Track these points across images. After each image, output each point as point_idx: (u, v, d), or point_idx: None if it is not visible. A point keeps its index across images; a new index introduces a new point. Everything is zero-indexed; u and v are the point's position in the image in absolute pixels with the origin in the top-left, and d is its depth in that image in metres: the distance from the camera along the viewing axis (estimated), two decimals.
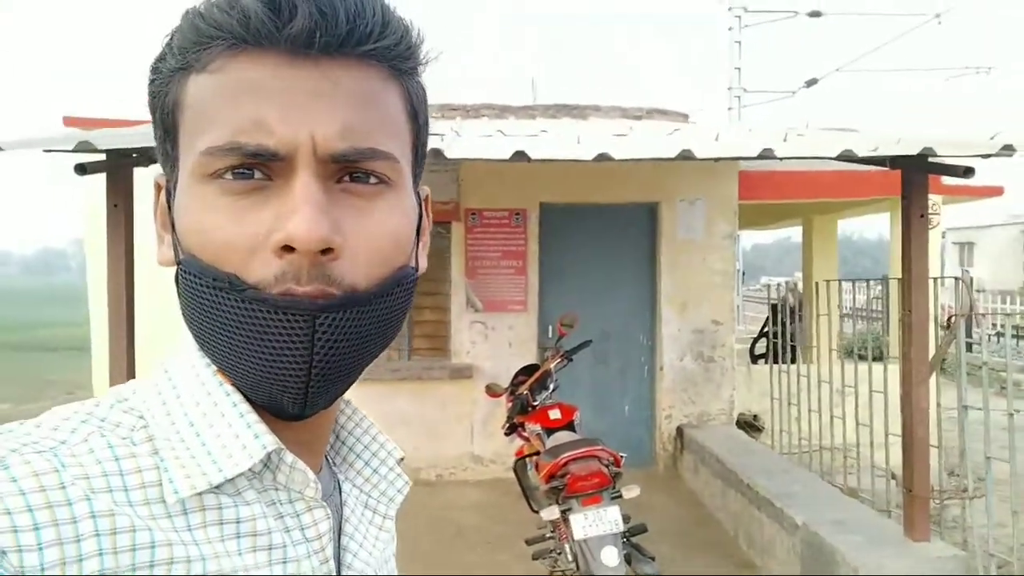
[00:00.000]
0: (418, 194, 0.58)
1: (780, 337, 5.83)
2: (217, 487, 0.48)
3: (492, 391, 4.23)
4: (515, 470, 4.13)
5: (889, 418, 4.15)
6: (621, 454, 3.36)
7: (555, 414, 3.90)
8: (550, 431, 3.84)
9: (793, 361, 5.67)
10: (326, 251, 0.46)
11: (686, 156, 2.74)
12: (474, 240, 5.72)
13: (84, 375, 7.04)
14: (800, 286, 9.03)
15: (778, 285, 13.63)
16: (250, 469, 0.49)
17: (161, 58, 0.51)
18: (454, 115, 5.96)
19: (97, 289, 3.32)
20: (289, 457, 0.51)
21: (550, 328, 5.54)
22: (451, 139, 3.50)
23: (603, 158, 2.76)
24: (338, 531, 0.58)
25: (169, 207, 0.52)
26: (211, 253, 0.47)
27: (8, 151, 2.87)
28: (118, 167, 3.11)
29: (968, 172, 2.87)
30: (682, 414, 5.83)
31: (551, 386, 4.10)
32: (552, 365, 4.09)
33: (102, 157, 3.05)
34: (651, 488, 5.33)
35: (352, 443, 0.63)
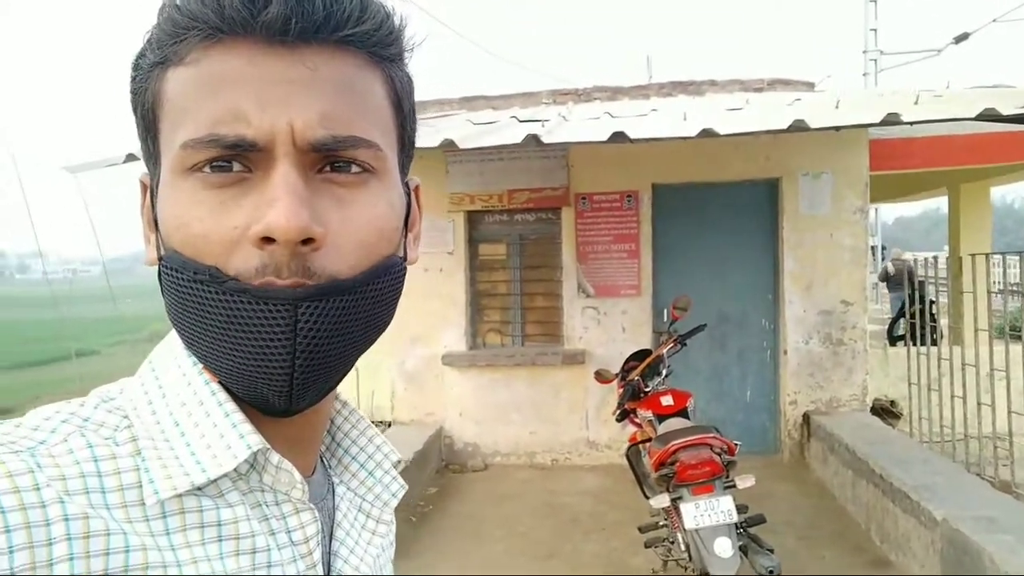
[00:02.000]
0: (407, 184, 0.57)
1: (919, 317, 5.38)
2: (200, 489, 0.47)
3: (602, 377, 4.20)
4: (628, 456, 4.08)
5: None
6: (736, 442, 3.24)
7: (667, 400, 3.81)
8: (662, 417, 3.76)
9: (935, 343, 5.22)
10: (307, 241, 0.45)
11: (799, 127, 2.57)
12: (585, 225, 5.66)
13: None
14: (935, 260, 8.29)
15: (891, 261, 12.55)
16: (235, 470, 0.49)
17: (141, 54, 0.51)
18: (566, 100, 5.92)
19: None
20: (275, 457, 0.50)
21: (664, 312, 5.41)
22: (552, 125, 3.48)
23: (707, 134, 2.65)
24: (330, 535, 0.57)
25: (153, 206, 0.52)
26: (192, 247, 0.47)
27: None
28: None
29: None
30: (809, 400, 5.52)
31: (663, 371, 4.01)
32: (664, 350, 4.00)
33: None
34: (775, 477, 5.11)
35: (348, 445, 0.62)
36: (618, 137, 2.74)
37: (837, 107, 3.00)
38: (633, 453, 4.03)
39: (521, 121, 3.88)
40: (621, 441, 4.70)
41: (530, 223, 5.76)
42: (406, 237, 0.55)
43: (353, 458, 0.62)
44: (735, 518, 2.99)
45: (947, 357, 4.75)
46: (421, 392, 5.76)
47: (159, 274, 0.50)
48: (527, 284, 5.81)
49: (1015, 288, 9.74)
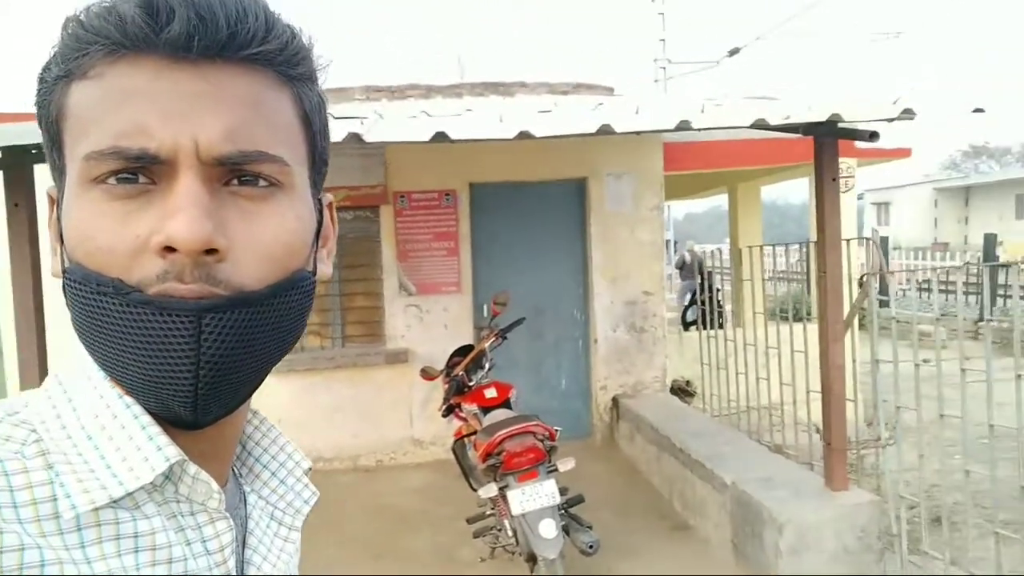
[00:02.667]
0: (320, 200, 0.57)
1: (709, 304, 6.01)
2: (115, 501, 0.47)
3: (427, 374, 4.24)
4: (454, 451, 4.17)
5: (810, 376, 4.34)
6: (556, 428, 3.43)
7: (491, 393, 3.94)
8: (487, 410, 3.88)
9: (721, 327, 5.86)
10: (210, 252, 0.46)
11: (606, 131, 2.77)
12: (404, 223, 5.67)
13: None
14: (719, 252, 9.31)
15: (686, 251, 14.00)
16: (151, 482, 0.48)
17: (46, 68, 0.50)
18: (379, 96, 5.86)
19: (3, 292, 3.15)
20: (192, 468, 0.50)
21: (484, 307, 5.56)
22: (371, 122, 3.45)
23: (524, 136, 2.77)
24: (242, 543, 0.57)
25: (59, 219, 0.51)
26: (95, 259, 0.47)
27: None
28: (16, 165, 2.94)
29: (873, 136, 3.00)
30: (617, 384, 5.96)
31: (486, 365, 4.13)
32: (486, 344, 4.12)
33: None
34: (589, 458, 5.45)
35: (259, 453, 0.62)
36: (440, 137, 2.78)
37: (637, 112, 3.27)
38: (459, 447, 4.12)
39: (336, 118, 3.80)
40: (446, 437, 4.78)
41: (348, 221, 5.65)
42: (317, 252, 0.56)
43: (264, 466, 0.62)
44: (558, 500, 3.17)
45: (732, 339, 5.36)
46: None
47: (63, 287, 0.49)
48: (346, 284, 5.70)
49: (783, 275, 11.18)
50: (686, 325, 8.65)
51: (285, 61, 0.51)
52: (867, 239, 4.22)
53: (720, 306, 6.87)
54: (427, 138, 2.80)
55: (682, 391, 6.69)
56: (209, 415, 0.49)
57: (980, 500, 3.78)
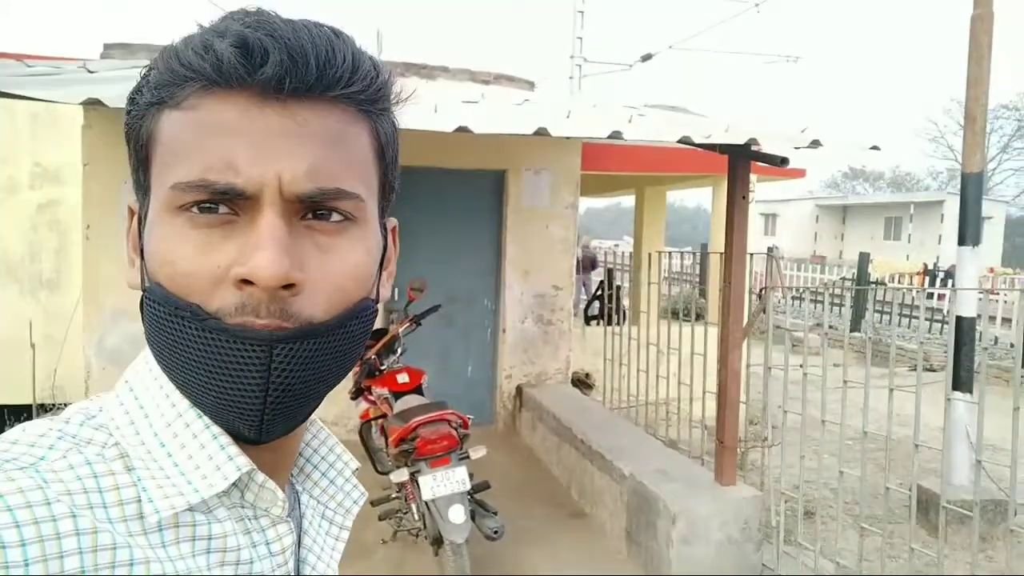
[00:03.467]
0: (384, 226, 0.60)
1: (612, 301, 6.25)
2: (191, 507, 0.50)
3: None
4: (360, 433, 4.15)
5: (706, 376, 4.61)
6: (469, 416, 3.49)
7: (403, 378, 3.95)
8: (398, 395, 3.89)
9: (619, 324, 6.11)
10: (288, 287, 0.48)
11: (541, 132, 2.84)
12: None
13: None
14: (616, 251, 9.65)
15: (580, 247, 14.46)
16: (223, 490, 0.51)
17: (138, 91, 0.52)
18: None
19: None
20: (260, 477, 0.53)
21: (396, 292, 5.54)
22: None
23: (462, 130, 2.80)
24: (297, 542, 0.60)
25: (140, 233, 0.54)
26: (175, 283, 0.49)
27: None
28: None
29: (784, 162, 3.24)
30: (522, 374, 6.09)
31: (399, 350, 4.13)
32: (400, 330, 4.12)
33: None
34: (491, 446, 5.51)
35: (309, 454, 0.64)
36: None
37: (569, 117, 3.37)
38: (365, 429, 4.11)
39: None
40: (349, 418, 4.74)
41: None
42: (380, 276, 0.58)
43: (315, 467, 0.64)
44: (468, 486, 3.24)
45: (635, 336, 5.60)
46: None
47: (142, 303, 0.52)
48: None
49: (676, 276, 11.73)
50: (587, 320, 8.92)
51: (367, 99, 0.53)
52: (770, 254, 4.52)
53: (618, 304, 7.14)
54: None
55: (582, 383, 6.91)
56: (272, 435, 0.52)
57: (848, 498, 4.17)
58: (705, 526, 3.55)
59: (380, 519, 3.72)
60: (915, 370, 3.36)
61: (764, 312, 3.71)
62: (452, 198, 5.94)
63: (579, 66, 18.52)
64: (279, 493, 0.54)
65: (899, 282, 17.45)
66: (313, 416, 0.63)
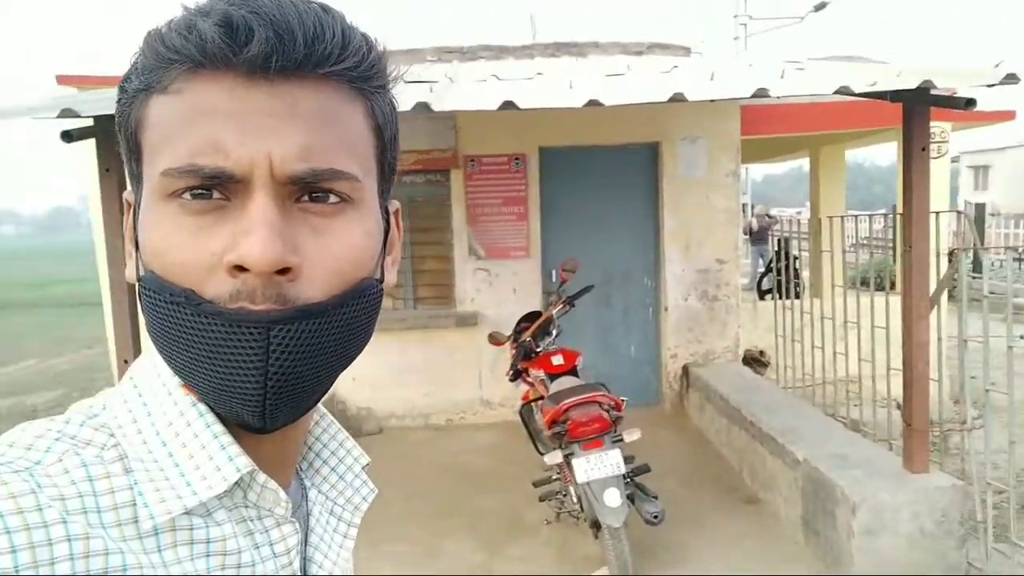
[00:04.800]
0: (386, 209, 0.58)
1: (784, 273, 5.81)
2: (189, 510, 0.49)
3: (495, 340, 4.28)
4: (521, 414, 4.21)
5: (891, 351, 4.15)
6: (623, 398, 3.41)
7: (558, 360, 3.95)
8: (554, 376, 3.90)
9: (798, 297, 5.67)
10: (283, 271, 0.47)
11: (677, 99, 2.68)
12: (474, 187, 5.68)
13: (100, 330, 7.17)
14: (797, 220, 8.95)
15: (754, 217, 13.51)
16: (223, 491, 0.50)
17: (127, 78, 0.51)
18: (451, 58, 5.84)
19: (103, 246, 3.33)
20: (261, 477, 0.52)
21: (553, 273, 5.54)
22: (441, 88, 3.44)
23: (593, 104, 2.71)
24: (304, 540, 0.59)
25: (135, 225, 0.53)
26: (169, 272, 0.48)
27: None
28: (108, 132, 3.08)
29: (970, 104, 2.79)
30: (688, 353, 5.87)
31: (554, 332, 4.14)
32: (554, 311, 4.12)
33: (90, 122, 3.02)
34: (658, 427, 5.43)
35: (319, 449, 0.63)
36: (508, 106, 2.75)
37: (712, 79, 3.15)
38: (526, 411, 4.16)
39: (407, 82, 3.81)
40: (514, 399, 4.83)
41: (419, 185, 5.70)
42: (384, 260, 0.56)
43: (324, 462, 0.63)
44: (623, 470, 3.17)
45: (808, 310, 5.18)
46: None
47: (138, 294, 0.51)
48: (418, 247, 5.78)
49: (865, 243, 10.69)
50: (761, 294, 8.41)
51: (360, 76, 0.51)
52: (960, 212, 3.96)
53: (797, 275, 6.63)
54: (495, 107, 2.77)
55: (755, 361, 6.53)
56: (277, 422, 0.50)
57: None
58: (893, 517, 3.20)
59: (541, 500, 3.76)
60: None
61: (955, 278, 3.25)
62: (605, 175, 5.82)
63: (744, 25, 17.47)
64: (281, 494, 0.53)
65: None
66: (322, 408, 0.62)
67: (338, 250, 0.50)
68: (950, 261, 3.39)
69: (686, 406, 5.80)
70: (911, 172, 3.12)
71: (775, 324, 5.66)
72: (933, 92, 2.79)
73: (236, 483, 0.52)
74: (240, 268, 0.46)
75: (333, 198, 0.50)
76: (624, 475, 3.22)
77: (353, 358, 0.53)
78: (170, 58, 0.48)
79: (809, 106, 6.25)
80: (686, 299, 5.82)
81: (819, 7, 15.57)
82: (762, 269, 10.86)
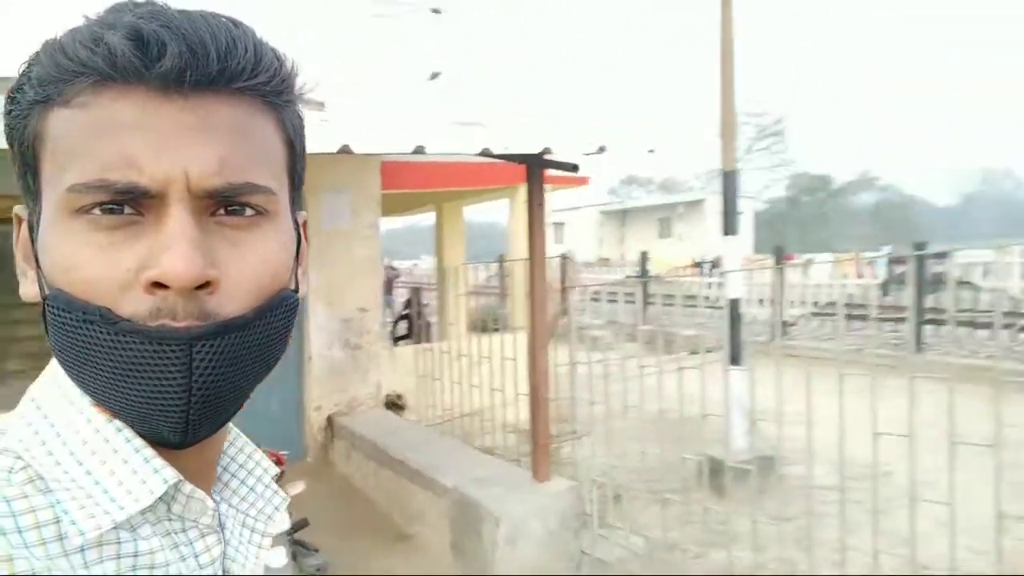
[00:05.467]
0: (296, 220, 0.57)
1: (418, 318, 6.27)
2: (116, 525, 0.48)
3: None
4: None
5: (517, 380, 4.78)
6: (283, 452, 3.32)
7: None
8: None
9: (429, 340, 6.16)
10: (203, 286, 0.46)
11: (345, 151, 2.80)
12: None
13: None
14: (411, 267, 9.73)
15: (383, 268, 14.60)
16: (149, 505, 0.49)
17: (18, 88, 0.49)
18: None
19: None
20: (187, 487, 0.51)
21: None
22: None
23: None
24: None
25: (32, 240, 0.51)
26: (80, 289, 0.46)
27: None
28: None
29: (575, 168, 3.48)
30: (332, 403, 5.90)
31: None
32: None
33: None
34: (306, 481, 5.32)
35: (227, 463, 0.61)
36: None
37: (368, 134, 3.35)
38: None
39: None
40: None
41: None
42: (296, 270, 0.56)
43: (233, 475, 0.61)
44: (287, 527, 3.08)
45: (446, 350, 5.67)
46: None
47: (43, 312, 0.49)
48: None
49: (478, 290, 12.04)
50: (396, 340, 8.86)
51: (272, 91, 0.51)
52: (563, 257, 4.80)
53: (427, 320, 7.19)
54: None
55: (394, 405, 6.84)
56: (197, 437, 0.49)
57: (651, 475, 4.53)
58: (526, 524, 3.68)
59: None
60: (696, 353, 3.76)
61: (566, 312, 3.93)
62: None
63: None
64: (208, 502, 0.52)
65: (675, 275, 19.30)
66: (229, 424, 0.60)
67: (256, 263, 0.49)
68: (562, 298, 4.07)
69: (331, 456, 5.80)
70: (533, 223, 3.71)
71: (415, 367, 6.05)
72: (548, 157, 3.40)
73: (160, 497, 0.50)
74: (159, 285, 0.45)
75: (249, 211, 0.49)
76: (286, 532, 3.12)
77: (271, 367, 0.53)
78: (74, 71, 0.45)
79: (439, 164, 6.92)
80: (330, 348, 5.87)
81: (434, 76, 17.23)
82: (391, 318, 11.46)
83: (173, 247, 0.45)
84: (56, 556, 0.44)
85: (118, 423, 0.50)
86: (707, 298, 13.97)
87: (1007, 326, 8.81)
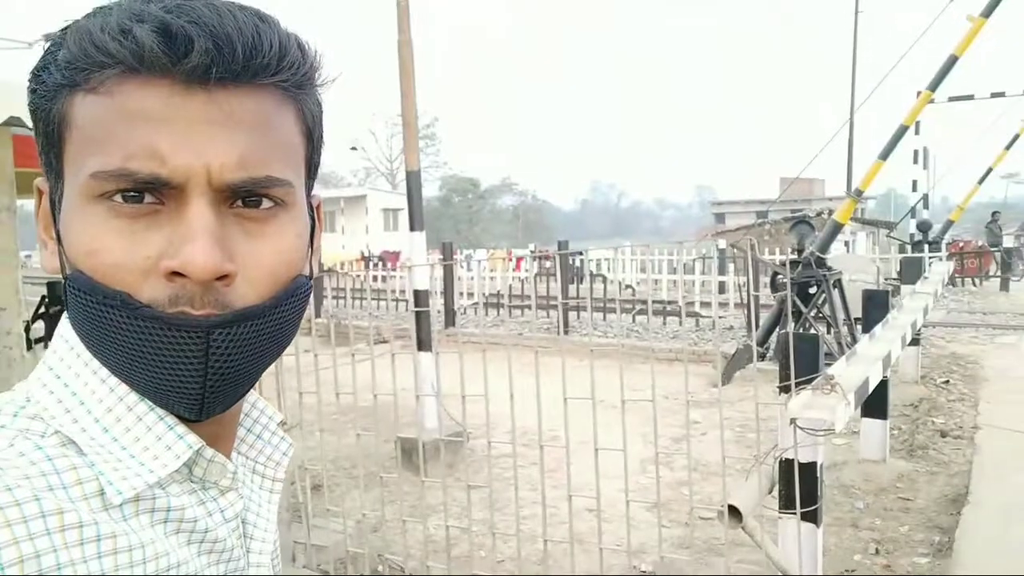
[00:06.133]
0: (310, 204, 0.59)
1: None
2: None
3: None
4: None
5: None
6: None
7: None
8: None
9: None
10: (221, 278, 0.48)
11: None
12: None
13: None
14: None
15: None
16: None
17: (44, 68, 0.49)
18: None
19: None
20: (208, 452, 0.54)
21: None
22: None
23: None
24: None
25: (53, 216, 0.52)
26: (100, 273, 0.47)
27: None
28: None
29: None
30: None
31: None
32: None
33: None
34: None
35: (241, 417, 0.63)
36: None
37: None
38: None
39: None
40: None
41: None
42: (310, 254, 0.57)
43: (239, 424, 0.62)
44: None
45: None
46: None
47: (65, 291, 0.50)
48: None
49: None
50: (32, 342, 7.51)
51: (295, 84, 0.52)
52: None
53: None
54: None
55: None
56: (211, 415, 0.52)
57: (353, 460, 4.67)
58: None
59: None
60: (385, 342, 3.99)
61: None
62: None
63: None
64: (229, 465, 0.55)
65: (343, 269, 19.43)
66: None
67: (272, 255, 0.51)
68: None
69: None
70: None
71: None
72: None
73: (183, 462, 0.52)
74: (177, 274, 0.47)
75: (267, 203, 0.51)
76: None
77: (284, 349, 0.55)
78: (102, 60, 0.46)
79: None
80: None
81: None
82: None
83: (193, 239, 0.47)
84: (97, 510, 0.47)
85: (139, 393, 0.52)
86: (377, 291, 14.41)
87: (626, 311, 10.86)
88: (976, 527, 3.86)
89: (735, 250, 12.65)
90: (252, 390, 0.69)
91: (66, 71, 0.48)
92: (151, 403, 0.51)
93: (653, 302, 11.25)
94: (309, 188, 0.59)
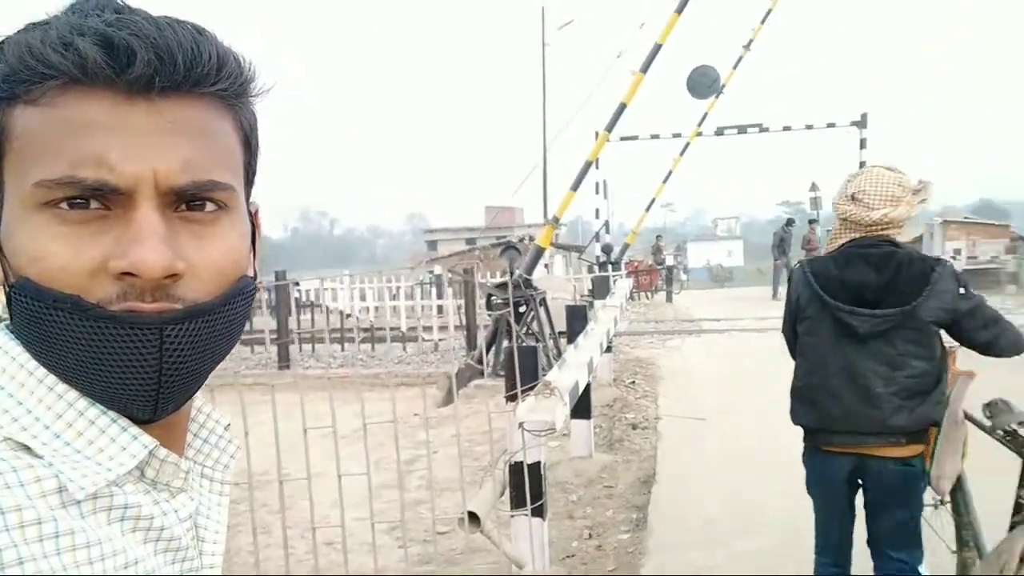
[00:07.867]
0: (250, 211, 0.61)
1: None
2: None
3: None
4: None
5: None
6: None
7: None
8: None
9: None
10: (170, 276, 0.49)
11: None
12: None
13: None
14: None
15: None
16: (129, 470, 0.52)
17: None
18: None
19: None
20: (162, 452, 0.54)
21: None
22: None
23: None
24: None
25: None
26: (49, 277, 0.48)
27: None
28: None
29: None
30: None
31: None
32: None
33: None
34: None
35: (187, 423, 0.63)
36: None
37: None
38: None
39: None
40: None
41: None
42: (253, 257, 0.60)
43: (185, 429, 0.62)
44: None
45: None
46: None
47: (9, 299, 0.51)
48: None
49: None
50: None
51: (232, 93, 0.55)
52: None
53: None
54: None
55: None
56: (165, 413, 0.53)
57: None
58: None
59: None
60: None
61: None
62: None
63: None
64: (182, 464, 0.56)
65: None
66: None
67: (219, 254, 0.53)
68: None
69: None
70: None
71: None
72: None
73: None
74: (127, 274, 0.48)
75: (210, 206, 0.53)
76: None
77: (231, 349, 0.57)
78: (43, 72, 0.47)
79: None
80: None
81: None
82: None
83: (143, 240, 0.49)
84: (56, 507, 0.47)
85: (89, 398, 0.52)
86: None
87: (341, 340, 10.73)
88: (662, 501, 4.57)
89: (451, 275, 13.28)
90: (198, 396, 0.69)
91: (4, 84, 0.49)
92: (102, 407, 0.52)
93: (377, 329, 11.32)
94: (248, 194, 0.62)
